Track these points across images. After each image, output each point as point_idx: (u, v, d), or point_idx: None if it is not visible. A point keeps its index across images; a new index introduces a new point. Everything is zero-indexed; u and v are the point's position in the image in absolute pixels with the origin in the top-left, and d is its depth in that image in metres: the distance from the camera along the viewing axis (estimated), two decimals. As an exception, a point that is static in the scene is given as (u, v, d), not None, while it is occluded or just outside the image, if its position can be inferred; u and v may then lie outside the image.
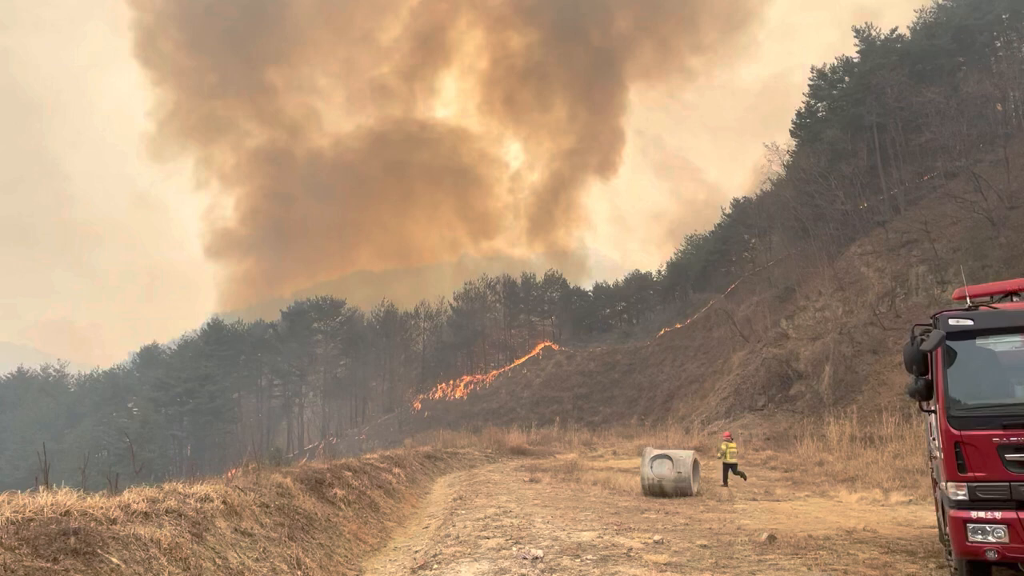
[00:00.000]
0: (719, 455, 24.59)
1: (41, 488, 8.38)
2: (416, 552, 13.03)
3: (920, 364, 8.79)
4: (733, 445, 24.37)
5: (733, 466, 23.77)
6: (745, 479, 23.85)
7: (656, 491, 20.54)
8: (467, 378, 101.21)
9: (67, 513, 7.51)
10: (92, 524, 7.44)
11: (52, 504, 7.64)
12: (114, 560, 7.10)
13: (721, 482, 23.49)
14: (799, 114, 74.47)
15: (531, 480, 25.62)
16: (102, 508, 8.01)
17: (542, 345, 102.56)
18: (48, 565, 6.40)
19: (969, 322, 8.33)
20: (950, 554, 8.99)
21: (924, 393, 8.78)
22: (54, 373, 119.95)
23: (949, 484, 8.21)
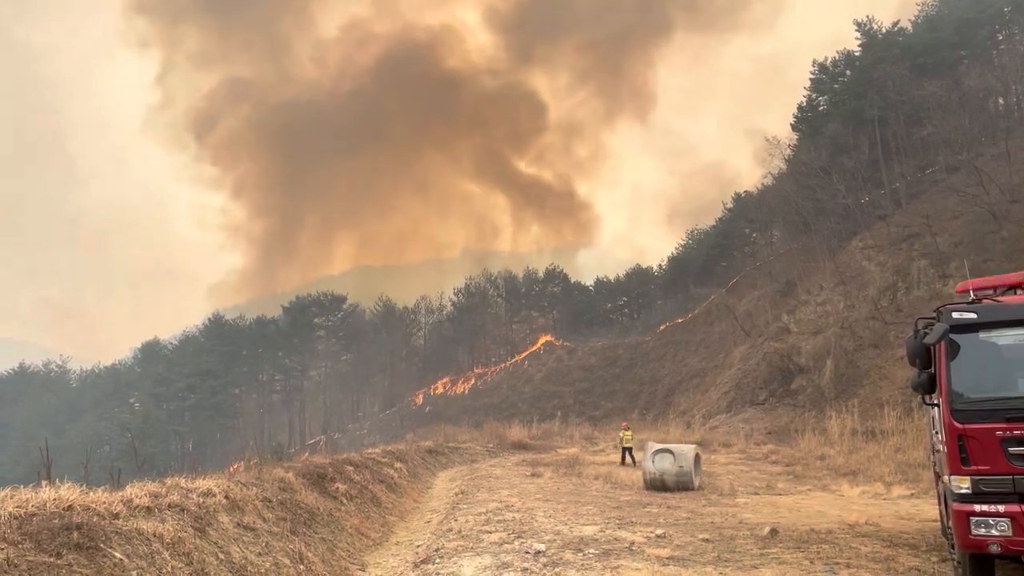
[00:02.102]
0: (618, 441, 31.44)
1: (43, 483, 8.39)
2: (418, 546, 13.04)
3: (923, 357, 8.78)
4: (629, 433, 31.04)
5: (628, 449, 30.04)
6: (634, 464, 28.49)
7: (658, 485, 20.56)
8: (471, 374, 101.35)
9: (70, 508, 7.51)
10: (95, 519, 7.45)
11: (55, 499, 7.65)
12: (117, 555, 7.10)
13: (627, 462, 29.31)
14: (800, 108, 74.29)
15: (532, 474, 25.63)
16: (105, 503, 8.02)
17: (543, 340, 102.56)
18: (51, 560, 6.41)
19: (972, 315, 8.31)
20: (953, 547, 8.99)
21: (927, 386, 8.77)
22: (56, 368, 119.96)
23: (952, 478, 8.20)
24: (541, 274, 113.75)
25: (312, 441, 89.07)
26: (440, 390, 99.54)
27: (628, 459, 29.71)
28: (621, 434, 31.40)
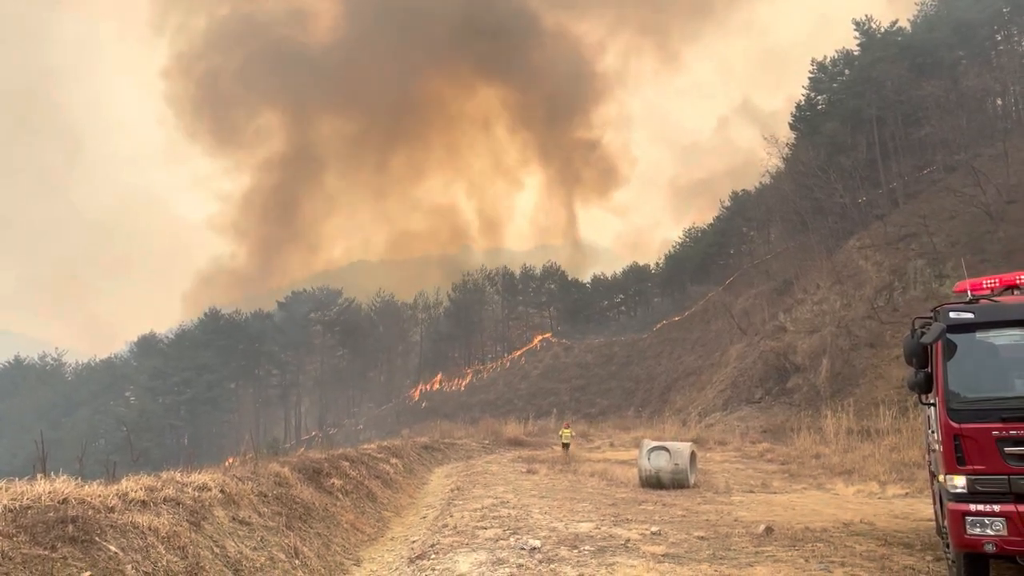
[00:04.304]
0: (560, 436, 35.40)
1: (39, 476, 8.37)
2: (414, 542, 13.04)
3: (920, 357, 8.78)
4: (569, 431, 35.12)
5: (567, 445, 33.55)
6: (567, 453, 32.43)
7: (653, 483, 20.57)
8: (468, 370, 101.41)
9: (65, 501, 7.50)
10: (90, 512, 7.43)
11: (50, 492, 7.63)
12: (112, 548, 7.09)
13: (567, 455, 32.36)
14: (798, 107, 74.29)
15: (528, 471, 25.67)
16: (100, 496, 8.00)
17: (540, 337, 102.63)
18: (46, 553, 6.39)
19: (970, 315, 8.32)
20: (948, 547, 9.00)
21: (924, 386, 8.77)
22: (51, 361, 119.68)
23: (948, 477, 8.21)
24: (538, 271, 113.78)
25: (308, 436, 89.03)
26: (436, 386, 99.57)
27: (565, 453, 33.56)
28: (562, 431, 35.72)
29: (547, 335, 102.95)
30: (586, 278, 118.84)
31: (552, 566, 10.23)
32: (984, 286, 9.91)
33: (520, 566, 10.21)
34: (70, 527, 6.88)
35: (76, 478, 8.60)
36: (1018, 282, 9.82)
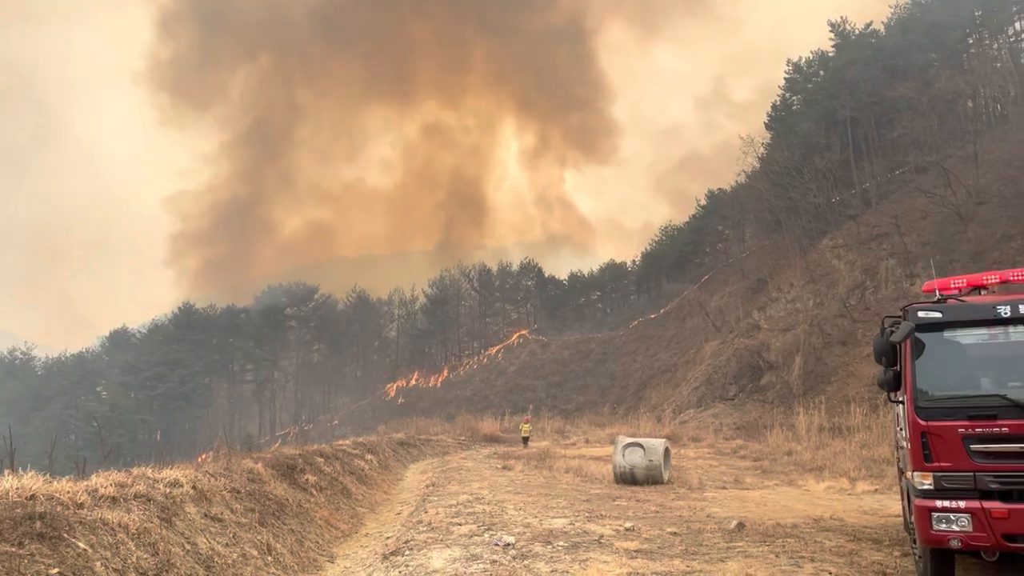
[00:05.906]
0: (520, 431, 39.07)
1: (6, 472, 8.25)
2: (388, 538, 13.03)
3: (889, 355, 8.90)
4: (528, 426, 38.92)
5: (526, 439, 37.27)
6: (526, 447, 35.61)
7: (628, 479, 20.69)
8: (445, 367, 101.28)
9: (33, 497, 7.40)
10: (58, 508, 7.35)
11: (17, 488, 7.53)
12: (81, 545, 7.01)
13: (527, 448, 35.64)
14: (774, 107, 75.01)
15: (504, 467, 25.73)
16: (69, 492, 7.91)
17: (517, 333, 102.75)
18: (13, 550, 6.31)
19: (938, 315, 8.45)
20: (915, 542, 9.14)
21: (893, 384, 8.90)
22: (21, 355, 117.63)
23: (915, 474, 8.34)
24: (515, 267, 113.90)
25: (283, 432, 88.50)
26: (413, 382, 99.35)
27: (526, 446, 36.41)
28: (522, 426, 38.93)
29: (524, 331, 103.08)
30: (563, 275, 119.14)
31: (526, 562, 10.26)
32: (952, 286, 10.06)
33: (494, 562, 10.23)
34: (38, 524, 6.80)
35: (45, 474, 8.50)
36: (985, 282, 9.99)
